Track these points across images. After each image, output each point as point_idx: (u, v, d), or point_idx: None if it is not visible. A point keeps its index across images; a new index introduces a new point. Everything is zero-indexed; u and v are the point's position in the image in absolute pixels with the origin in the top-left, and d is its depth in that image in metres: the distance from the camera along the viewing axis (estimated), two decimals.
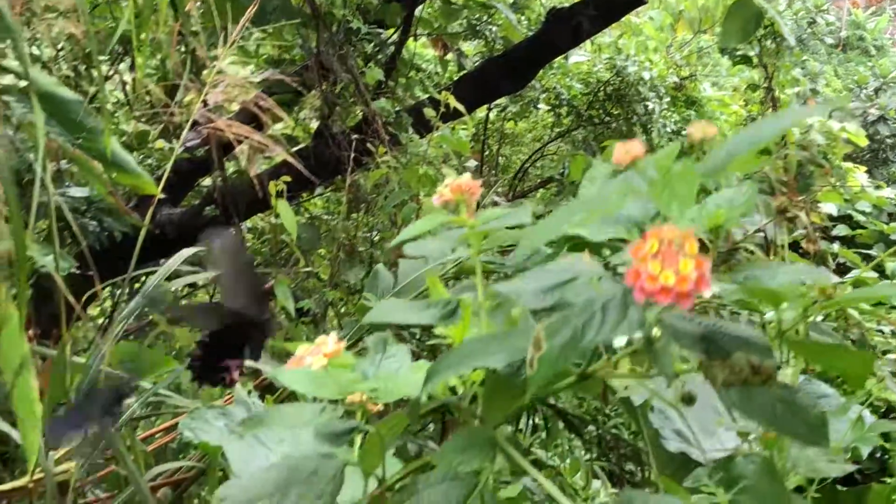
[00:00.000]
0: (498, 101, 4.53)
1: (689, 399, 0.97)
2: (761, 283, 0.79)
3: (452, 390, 0.88)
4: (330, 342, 0.82)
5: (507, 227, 0.87)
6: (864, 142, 4.90)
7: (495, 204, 3.33)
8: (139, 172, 1.62)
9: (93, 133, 1.55)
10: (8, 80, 1.59)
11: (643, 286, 0.68)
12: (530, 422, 2.66)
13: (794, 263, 0.85)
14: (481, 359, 0.77)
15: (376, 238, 3.32)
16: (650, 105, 4.27)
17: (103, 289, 2.93)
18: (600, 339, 0.70)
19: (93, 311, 4.15)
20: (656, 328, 0.78)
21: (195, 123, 3.78)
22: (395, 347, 0.84)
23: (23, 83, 1.55)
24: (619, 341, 0.83)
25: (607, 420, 3.26)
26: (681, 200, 0.68)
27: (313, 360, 0.81)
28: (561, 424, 2.74)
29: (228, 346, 1.11)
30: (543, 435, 3.18)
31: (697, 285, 0.68)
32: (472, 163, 4.26)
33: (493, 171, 4.54)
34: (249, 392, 1.84)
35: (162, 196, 2.03)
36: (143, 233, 1.73)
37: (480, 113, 4.61)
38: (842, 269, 4.18)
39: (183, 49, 3.51)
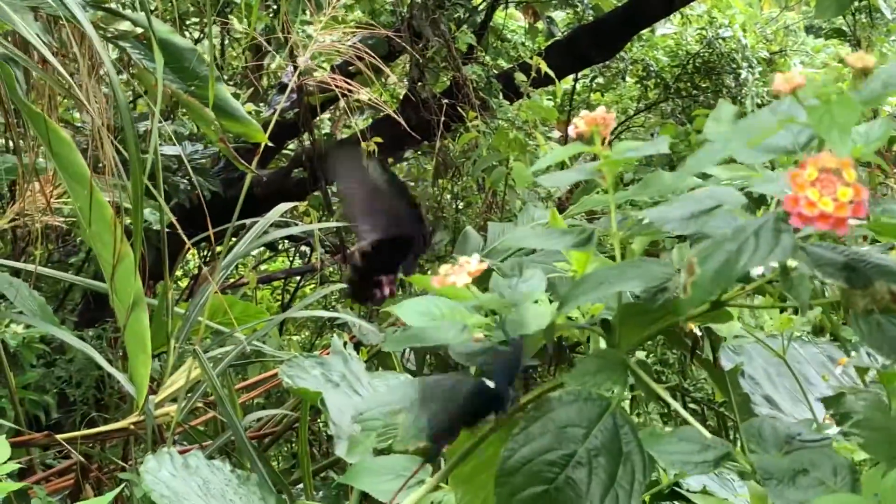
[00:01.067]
0: (585, 72, 4.51)
1: (819, 330, 0.97)
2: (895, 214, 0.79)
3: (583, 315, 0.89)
4: (473, 261, 0.83)
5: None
6: None
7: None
8: (248, 121, 1.65)
9: (204, 81, 1.58)
10: (125, 26, 1.62)
11: (801, 212, 0.69)
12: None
13: None
14: (619, 283, 0.78)
15: (461, 205, 3.34)
16: (743, 74, 4.22)
17: (196, 244, 2.98)
18: (754, 263, 0.70)
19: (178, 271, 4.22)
20: (792, 258, 0.78)
21: (284, 87, 3.82)
22: (531, 271, 0.85)
23: (139, 30, 1.58)
24: (755, 271, 0.83)
25: (688, 392, 3.26)
26: (841, 127, 0.68)
27: (458, 277, 0.82)
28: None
29: (383, 262, 1.07)
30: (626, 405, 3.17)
31: (855, 212, 0.68)
32: (557, 133, 4.25)
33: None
34: (345, 343, 1.86)
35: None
36: (247, 180, 1.75)
37: (566, 84, 4.59)
38: None
39: (272, 14, 3.55)
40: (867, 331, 0.79)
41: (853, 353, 1.24)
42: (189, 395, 1.85)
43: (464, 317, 0.87)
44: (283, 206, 2.08)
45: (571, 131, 0.88)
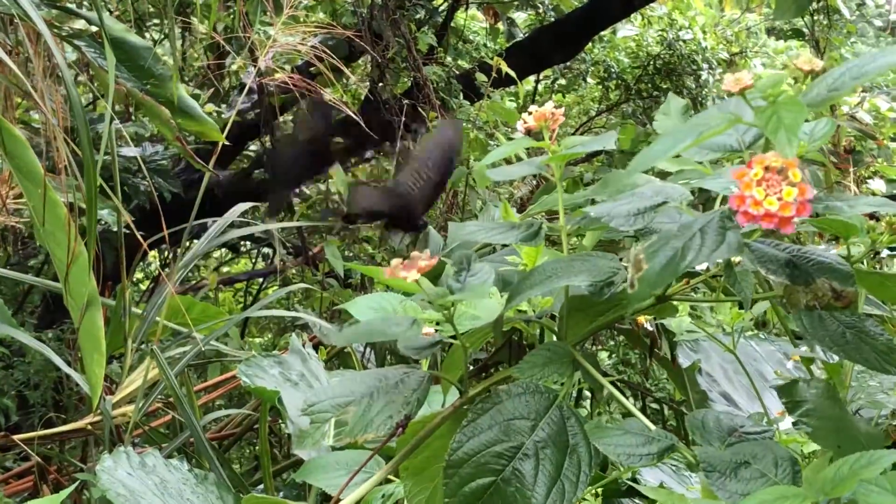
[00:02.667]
0: (546, 74, 4.53)
1: (761, 324, 0.99)
2: (840, 212, 0.80)
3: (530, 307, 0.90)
4: (424, 256, 0.83)
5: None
6: None
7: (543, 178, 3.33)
8: (205, 119, 1.64)
9: (161, 79, 1.57)
10: (80, 24, 1.61)
11: (747, 210, 0.70)
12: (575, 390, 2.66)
13: (873, 196, 0.85)
14: (566, 278, 0.79)
15: None
16: (703, 76, 4.24)
17: (157, 245, 2.97)
18: (700, 260, 0.72)
19: (138, 275, 4.20)
20: (737, 255, 0.79)
21: (245, 88, 3.81)
22: (478, 265, 0.86)
23: (94, 28, 1.57)
24: (700, 266, 0.84)
25: (650, 392, 3.28)
26: (787, 129, 0.70)
27: (408, 273, 0.82)
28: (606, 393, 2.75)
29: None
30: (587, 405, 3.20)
31: (800, 211, 0.70)
32: (520, 134, 4.26)
33: None
34: (304, 343, 1.86)
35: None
36: (205, 180, 1.75)
37: (528, 85, 4.60)
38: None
39: (232, 14, 3.54)
40: (809, 325, 0.80)
41: (803, 347, 1.26)
42: (147, 395, 1.84)
43: (415, 311, 0.88)
44: (242, 207, 2.07)
45: (520, 126, 0.89)
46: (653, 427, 0.81)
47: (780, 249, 0.79)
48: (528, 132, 0.90)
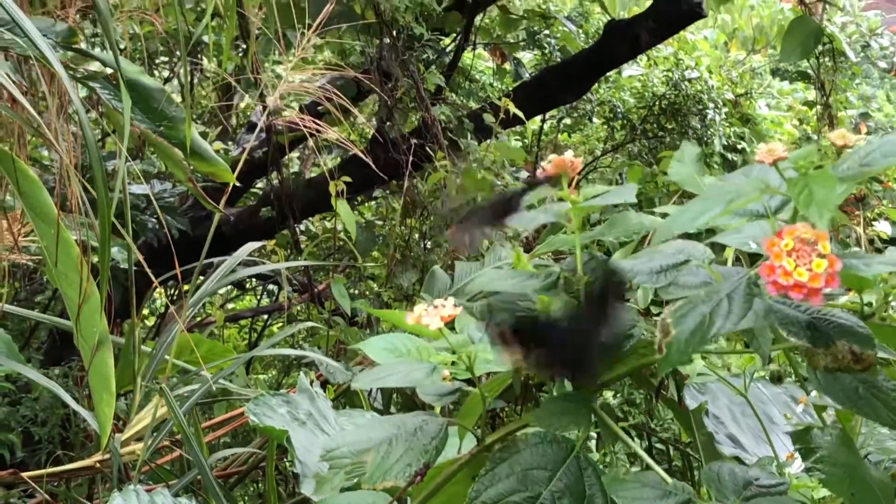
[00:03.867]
0: (552, 113, 4.54)
1: (778, 378, 0.99)
2: (857, 270, 0.81)
3: None
4: (448, 305, 0.84)
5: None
6: None
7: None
8: (217, 160, 1.65)
9: (174, 121, 1.58)
10: (95, 66, 1.62)
11: (777, 280, 0.71)
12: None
13: (885, 256, 0.86)
14: None
15: (430, 244, 3.35)
16: (709, 114, 4.26)
17: (163, 283, 2.97)
18: (728, 328, 0.73)
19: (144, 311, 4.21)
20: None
21: (253, 126, 3.83)
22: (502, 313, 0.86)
23: (109, 70, 1.59)
24: None
25: (655, 433, 3.27)
26: (820, 205, 0.70)
27: (431, 320, 0.83)
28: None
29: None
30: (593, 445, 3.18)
31: (828, 283, 0.71)
32: (524, 173, 4.28)
33: None
34: (312, 382, 1.86)
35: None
36: (215, 219, 1.76)
37: (534, 125, 4.62)
38: None
39: (242, 53, 3.56)
40: (823, 380, 0.81)
41: (813, 393, 1.26)
42: (155, 433, 1.84)
43: (429, 354, 0.89)
44: (251, 246, 2.08)
45: (540, 174, 0.89)
46: (670, 480, 0.81)
47: (801, 311, 0.80)
48: (547, 179, 0.90)
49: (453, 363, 0.89)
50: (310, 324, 2.65)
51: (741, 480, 0.86)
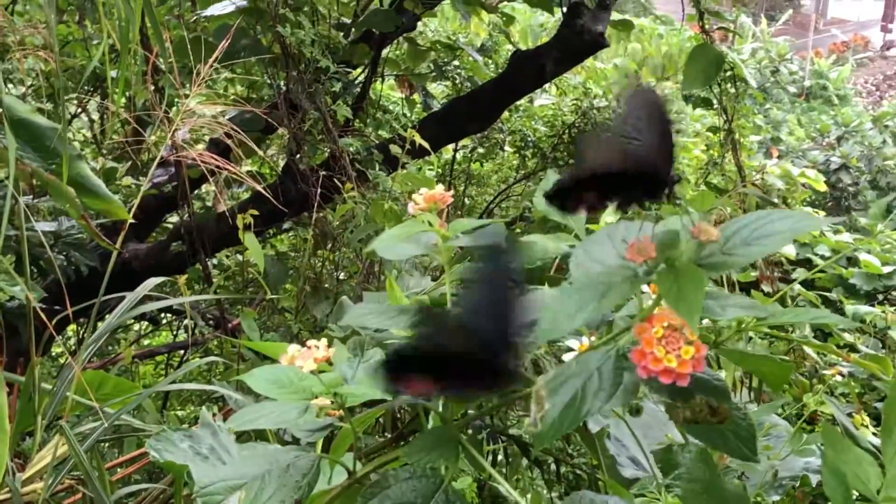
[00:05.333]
0: (464, 143, 4.59)
1: (637, 410, 1.03)
2: (713, 314, 0.84)
3: None
4: (322, 346, 0.86)
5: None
6: (822, 186, 4.99)
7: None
8: (110, 198, 1.66)
9: (67, 159, 1.58)
10: None
11: (647, 366, 0.75)
12: (490, 456, 2.68)
13: (741, 297, 0.90)
14: None
15: (342, 275, 3.36)
16: None
17: (70, 321, 2.95)
18: (598, 407, 0.76)
19: (56, 349, 4.16)
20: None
21: (163, 160, 3.82)
22: (372, 350, 0.88)
23: None
24: None
25: (571, 457, 3.30)
26: (689, 302, 0.73)
27: (304, 363, 0.85)
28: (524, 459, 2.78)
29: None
30: (505, 471, 3.21)
31: (695, 367, 0.75)
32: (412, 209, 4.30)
33: (460, 212, 4.59)
34: (214, 415, 1.86)
35: (128, 232, 2.06)
36: (113, 257, 1.76)
37: (447, 154, 4.66)
38: None
39: (152, 87, 3.56)
40: (692, 432, 0.85)
41: None
42: (57, 471, 1.83)
43: (313, 385, 0.90)
44: (153, 281, 2.08)
45: (411, 208, 0.92)
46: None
47: None
48: (418, 213, 0.93)
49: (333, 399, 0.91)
50: (210, 359, 2.64)
51: None
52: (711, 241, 0.79)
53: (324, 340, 0.88)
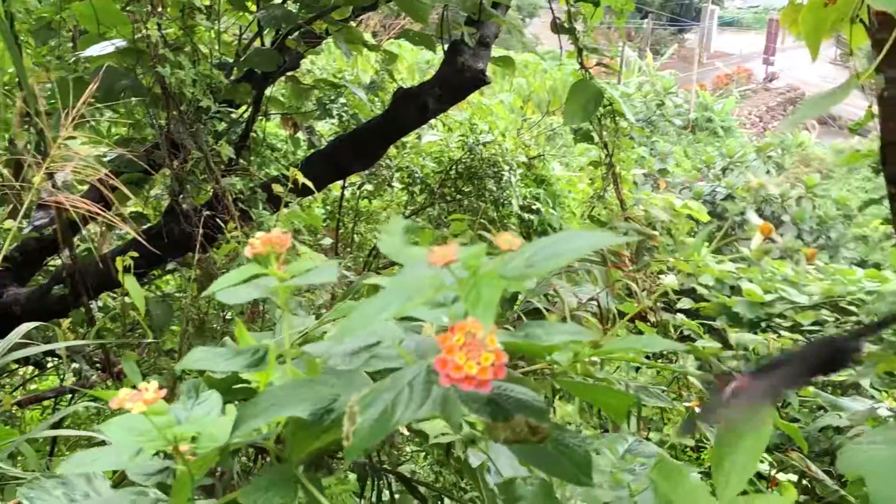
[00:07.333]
0: (353, 180, 4.60)
1: (472, 441, 1.05)
2: (540, 340, 0.86)
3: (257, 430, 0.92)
4: (151, 389, 0.86)
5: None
6: (705, 217, 5.11)
7: (349, 281, 3.38)
8: None
9: None
10: None
11: (449, 374, 0.77)
12: (375, 494, 2.68)
13: (570, 325, 0.93)
14: (288, 408, 0.83)
15: (228, 315, 3.34)
16: (505, 176, 4.38)
17: None
18: (409, 416, 0.77)
19: None
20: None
21: (42, 203, 3.76)
22: (207, 392, 0.89)
23: None
24: None
25: (465, 491, 3.31)
26: (485, 305, 0.76)
27: (133, 405, 0.85)
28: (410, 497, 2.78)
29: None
30: None
31: (496, 374, 0.77)
32: (328, 240, 4.31)
33: (349, 249, 4.60)
34: None
35: (8, 275, 2.03)
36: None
37: (336, 191, 4.67)
38: (686, 339, 4.32)
39: (31, 129, 3.51)
40: (527, 458, 0.87)
41: None
42: None
43: (168, 430, 0.90)
44: (27, 326, 2.05)
45: (248, 252, 0.92)
46: None
47: None
48: (256, 257, 0.93)
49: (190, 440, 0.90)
50: (90, 403, 2.61)
51: None
52: (513, 249, 0.83)
53: (154, 382, 0.88)
